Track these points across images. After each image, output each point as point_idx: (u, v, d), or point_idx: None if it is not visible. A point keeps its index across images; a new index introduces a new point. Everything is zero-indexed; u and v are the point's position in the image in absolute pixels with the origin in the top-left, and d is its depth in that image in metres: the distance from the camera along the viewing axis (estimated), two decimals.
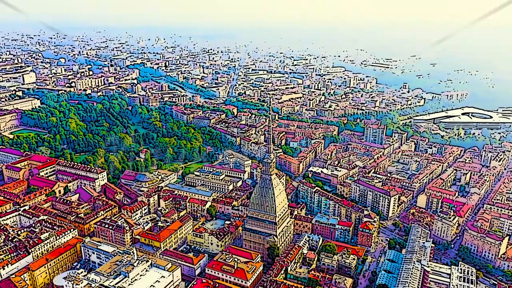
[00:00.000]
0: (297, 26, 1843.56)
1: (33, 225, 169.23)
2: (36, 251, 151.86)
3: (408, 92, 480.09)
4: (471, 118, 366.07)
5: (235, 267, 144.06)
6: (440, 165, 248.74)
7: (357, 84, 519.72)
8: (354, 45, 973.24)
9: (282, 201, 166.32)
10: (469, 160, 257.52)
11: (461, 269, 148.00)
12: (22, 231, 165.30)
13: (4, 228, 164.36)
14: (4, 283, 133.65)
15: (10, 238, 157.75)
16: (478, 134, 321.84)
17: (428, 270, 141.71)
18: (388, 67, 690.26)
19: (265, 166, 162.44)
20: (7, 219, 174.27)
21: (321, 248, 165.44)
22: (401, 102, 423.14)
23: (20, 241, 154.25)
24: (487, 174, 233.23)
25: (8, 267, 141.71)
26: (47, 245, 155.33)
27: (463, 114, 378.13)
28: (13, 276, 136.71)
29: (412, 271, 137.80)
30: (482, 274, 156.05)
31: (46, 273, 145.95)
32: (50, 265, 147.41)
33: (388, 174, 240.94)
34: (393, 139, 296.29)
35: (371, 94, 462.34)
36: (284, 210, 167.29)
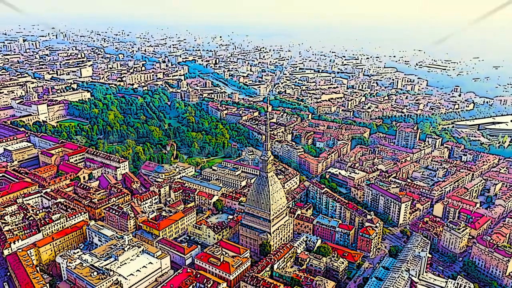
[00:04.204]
0: (357, 24, 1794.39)
1: (50, 206, 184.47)
2: (46, 230, 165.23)
3: (459, 95, 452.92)
4: None
5: (221, 260, 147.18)
6: (469, 173, 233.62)
7: (403, 86, 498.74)
8: (413, 45, 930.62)
9: (279, 199, 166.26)
10: (504, 170, 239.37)
11: (457, 283, 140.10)
12: (41, 211, 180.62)
13: (25, 208, 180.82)
14: (11, 257, 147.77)
15: (27, 217, 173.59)
16: None
17: (416, 281, 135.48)
18: (444, 69, 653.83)
19: (262, 164, 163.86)
20: (30, 199, 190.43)
21: (317, 249, 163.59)
22: (447, 106, 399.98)
23: (34, 220, 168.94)
24: None
25: (18, 242, 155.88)
26: (57, 225, 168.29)
27: None
28: (20, 250, 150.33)
29: (396, 281, 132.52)
30: None
31: (51, 250, 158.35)
32: (56, 243, 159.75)
33: (410, 180, 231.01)
34: (425, 144, 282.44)
35: (417, 97, 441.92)
36: (281, 208, 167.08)
